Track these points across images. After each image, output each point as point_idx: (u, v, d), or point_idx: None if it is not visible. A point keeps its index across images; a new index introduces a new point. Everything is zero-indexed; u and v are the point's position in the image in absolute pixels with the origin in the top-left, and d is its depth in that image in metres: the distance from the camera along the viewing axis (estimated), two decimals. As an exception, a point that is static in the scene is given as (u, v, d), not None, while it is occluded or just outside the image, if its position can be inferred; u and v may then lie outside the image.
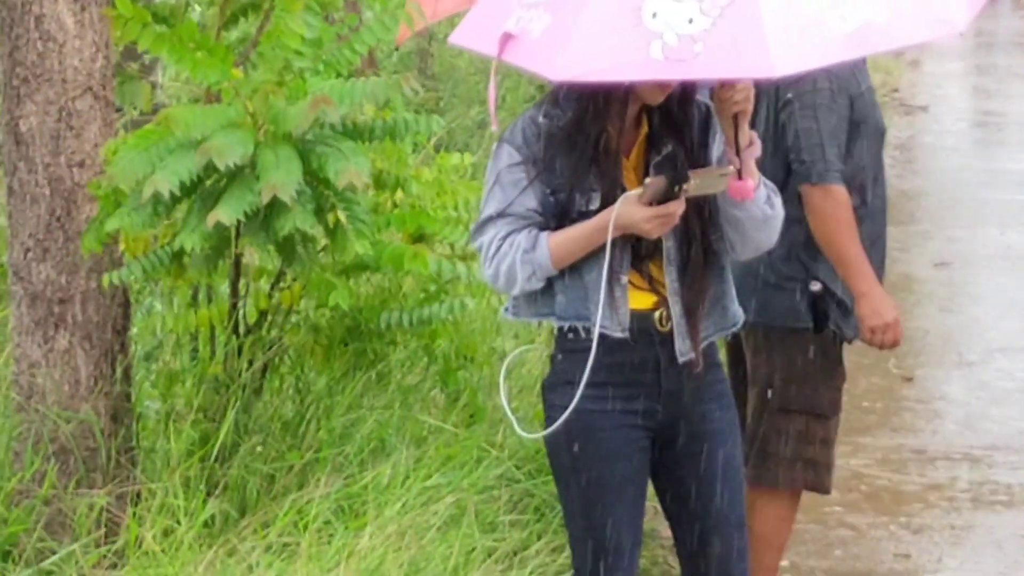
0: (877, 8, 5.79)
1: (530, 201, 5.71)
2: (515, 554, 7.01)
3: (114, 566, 6.63)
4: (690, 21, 5.61)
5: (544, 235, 5.72)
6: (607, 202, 5.68)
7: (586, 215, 5.73)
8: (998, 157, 17.65)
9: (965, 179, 16.17)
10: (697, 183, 5.60)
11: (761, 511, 7.26)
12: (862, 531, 8.87)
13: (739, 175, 5.67)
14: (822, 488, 7.55)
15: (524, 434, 6.39)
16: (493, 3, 6.19)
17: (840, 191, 7.01)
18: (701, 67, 5.61)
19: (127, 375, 7.14)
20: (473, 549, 6.82)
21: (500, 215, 5.78)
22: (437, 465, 7.35)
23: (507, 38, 5.71)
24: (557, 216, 5.71)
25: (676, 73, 5.68)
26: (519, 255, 5.72)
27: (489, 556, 6.88)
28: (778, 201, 5.83)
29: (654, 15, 5.65)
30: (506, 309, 6.07)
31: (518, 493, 7.42)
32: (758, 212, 5.75)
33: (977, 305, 12.90)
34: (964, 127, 18.91)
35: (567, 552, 6.57)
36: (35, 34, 6.95)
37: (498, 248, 5.74)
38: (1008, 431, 10.03)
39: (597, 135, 5.80)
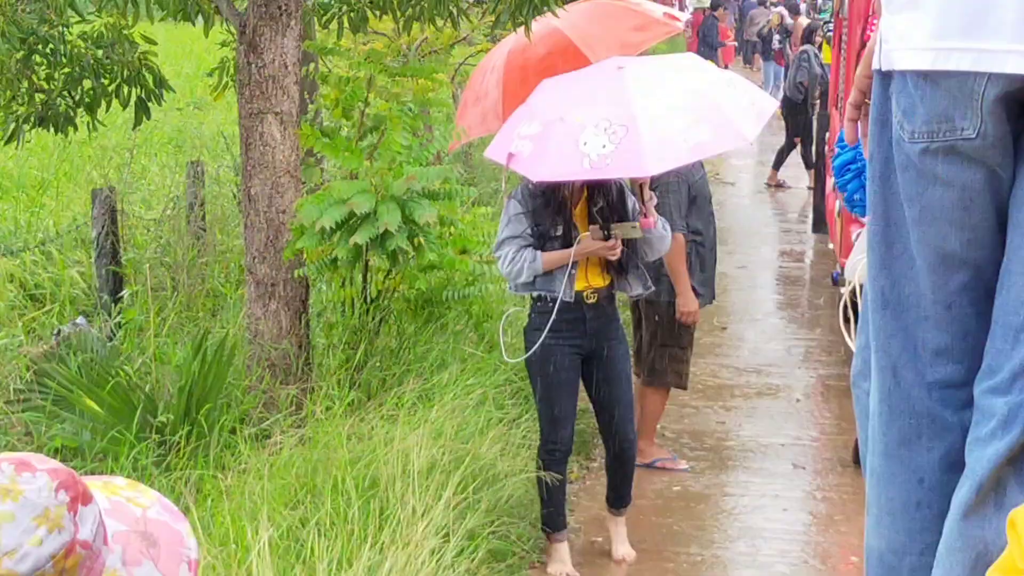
0: (704, 132, 6.69)
1: (526, 230, 6.68)
2: (513, 421, 7.66)
3: (299, 426, 7.08)
4: (603, 147, 6.47)
5: (539, 253, 6.60)
6: (564, 230, 6.65)
7: (554, 238, 6.66)
8: (769, 208, 17.84)
9: (752, 221, 16.34)
10: (620, 231, 6.59)
11: (650, 399, 8.31)
12: (699, 409, 9.64)
13: (644, 216, 6.73)
14: (682, 386, 8.57)
15: (508, 359, 7.23)
16: (505, 133, 7.05)
17: (680, 236, 7.77)
18: (610, 171, 6.57)
19: (307, 325, 7.80)
20: (491, 418, 7.47)
21: (512, 238, 6.71)
22: (472, 373, 7.96)
23: (510, 156, 6.75)
24: (538, 238, 6.68)
25: (596, 175, 6.53)
26: (526, 263, 6.61)
27: (500, 421, 7.51)
28: (668, 228, 6.89)
29: (585, 143, 6.51)
30: (510, 288, 6.99)
31: (514, 388, 8.13)
32: (657, 234, 6.80)
33: (760, 288, 13.88)
34: (751, 191, 18.96)
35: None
36: (259, 141, 7.40)
37: (512, 258, 6.66)
38: (776, 355, 11.10)
39: (558, 197, 6.74)
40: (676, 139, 6.65)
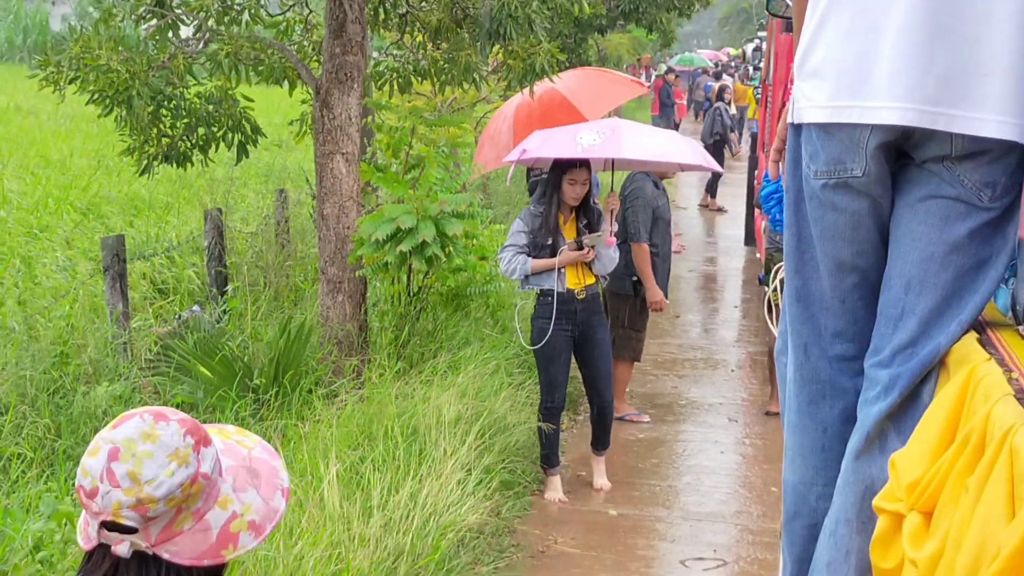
0: (669, 148, 7.35)
1: (524, 242, 6.72)
2: (520, 385, 7.67)
3: (359, 388, 7.19)
4: (593, 140, 6.84)
5: (530, 260, 6.67)
6: (553, 242, 6.70)
7: (545, 247, 6.70)
8: (712, 226, 17.95)
9: (700, 236, 16.41)
10: (592, 240, 6.67)
11: (619, 369, 8.16)
12: (658, 377, 9.67)
13: (609, 235, 6.77)
14: (637, 359, 8.56)
15: (526, 344, 7.14)
16: (516, 149, 7.34)
17: (644, 245, 7.94)
18: (595, 153, 6.79)
19: (366, 312, 7.83)
20: (503, 382, 7.51)
21: (512, 246, 6.78)
22: (488, 349, 8.03)
23: (523, 152, 7.02)
24: (534, 247, 6.73)
25: (586, 155, 6.73)
26: (519, 265, 6.70)
27: (509, 385, 7.54)
28: (616, 254, 6.84)
29: (580, 138, 6.88)
30: (520, 286, 6.96)
31: (520, 361, 8.11)
32: (610, 253, 6.81)
33: (705, 287, 13.98)
34: (698, 214, 19.04)
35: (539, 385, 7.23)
36: (330, 175, 7.47)
37: (509, 259, 6.76)
38: (717, 337, 11.22)
39: (553, 217, 6.76)
40: (647, 146, 7.20)
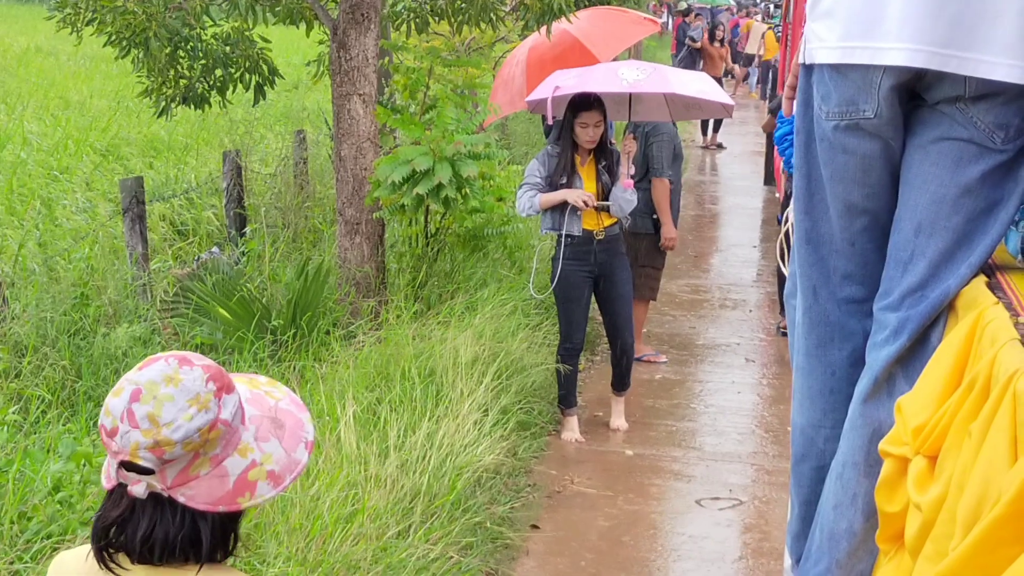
0: (705, 87, 7.25)
1: (538, 180, 6.68)
2: (536, 326, 7.74)
3: (377, 329, 7.19)
4: (636, 76, 6.84)
5: (539, 194, 6.63)
6: (568, 181, 6.64)
7: (561, 186, 6.62)
8: (733, 166, 17.76)
9: (720, 176, 16.35)
10: (602, 206, 6.67)
11: (636, 308, 8.02)
12: (676, 317, 9.66)
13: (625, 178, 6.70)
14: (654, 298, 8.58)
15: (535, 295, 7.22)
16: (545, 86, 7.18)
17: (667, 181, 7.93)
18: (643, 87, 6.83)
19: (383, 254, 7.82)
20: (520, 324, 7.54)
21: (526, 184, 6.74)
22: (506, 290, 8.02)
23: (556, 88, 6.92)
24: (550, 186, 6.66)
25: (633, 90, 6.86)
26: (527, 199, 6.66)
27: (526, 327, 7.59)
28: (634, 197, 6.74)
29: (622, 74, 6.88)
30: (541, 228, 6.89)
31: (536, 303, 8.03)
32: (629, 195, 6.70)
33: (724, 226, 13.78)
34: (724, 154, 18.90)
35: (556, 325, 7.22)
36: (347, 116, 7.43)
37: (521, 195, 6.73)
38: (735, 277, 11.09)
39: (568, 160, 6.72)
40: (688, 82, 7.17)
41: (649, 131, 7.95)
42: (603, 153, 6.78)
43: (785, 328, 8.54)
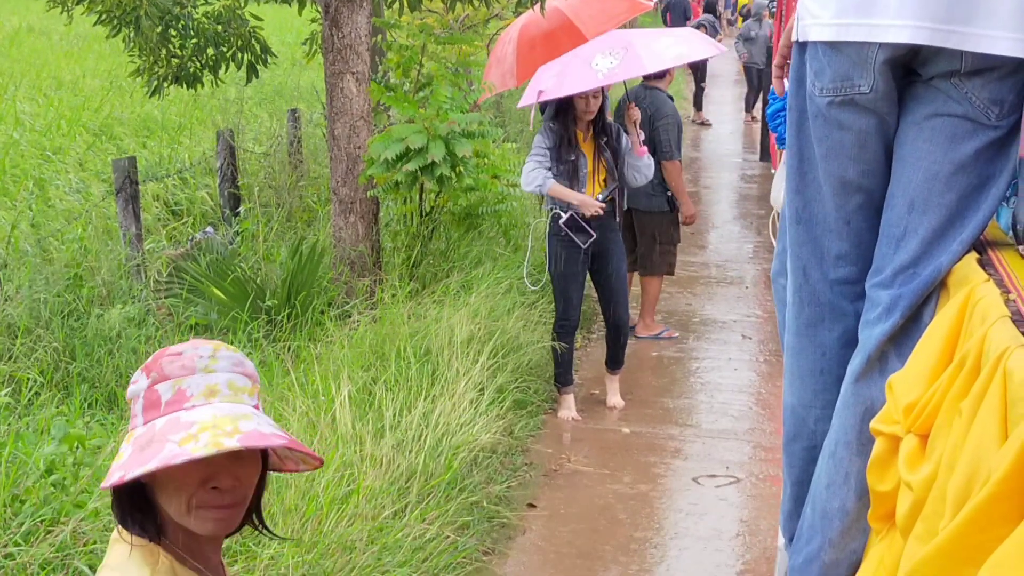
0: (682, 47, 7.20)
1: (545, 156, 6.68)
2: (532, 304, 7.73)
3: (372, 309, 7.20)
4: (610, 64, 6.68)
5: (551, 181, 6.63)
6: (575, 158, 6.66)
7: (567, 162, 6.66)
8: (729, 142, 17.60)
9: (715, 153, 16.26)
10: (608, 194, 6.73)
11: (652, 286, 8.41)
12: (673, 294, 9.64)
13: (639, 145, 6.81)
14: (671, 273, 8.61)
15: (530, 286, 7.32)
16: (531, 88, 7.11)
17: (678, 163, 8.06)
18: (618, 77, 6.72)
19: (378, 232, 7.80)
20: (515, 302, 7.54)
21: (535, 157, 6.72)
22: (501, 268, 8.04)
23: (540, 94, 6.83)
24: (554, 160, 6.68)
25: (608, 81, 6.70)
26: (537, 180, 6.66)
27: (522, 305, 7.59)
28: (651, 161, 6.87)
29: (596, 64, 6.72)
30: (546, 206, 6.99)
31: (533, 280, 7.86)
32: (645, 161, 6.83)
33: (720, 202, 13.79)
34: (717, 131, 18.73)
35: (552, 303, 7.22)
36: (340, 94, 7.42)
37: (531, 170, 6.71)
38: (731, 253, 11.11)
39: (571, 134, 6.74)
40: (663, 52, 7.01)
41: (653, 114, 7.96)
42: (603, 129, 6.80)
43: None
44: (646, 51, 7.03)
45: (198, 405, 1.94)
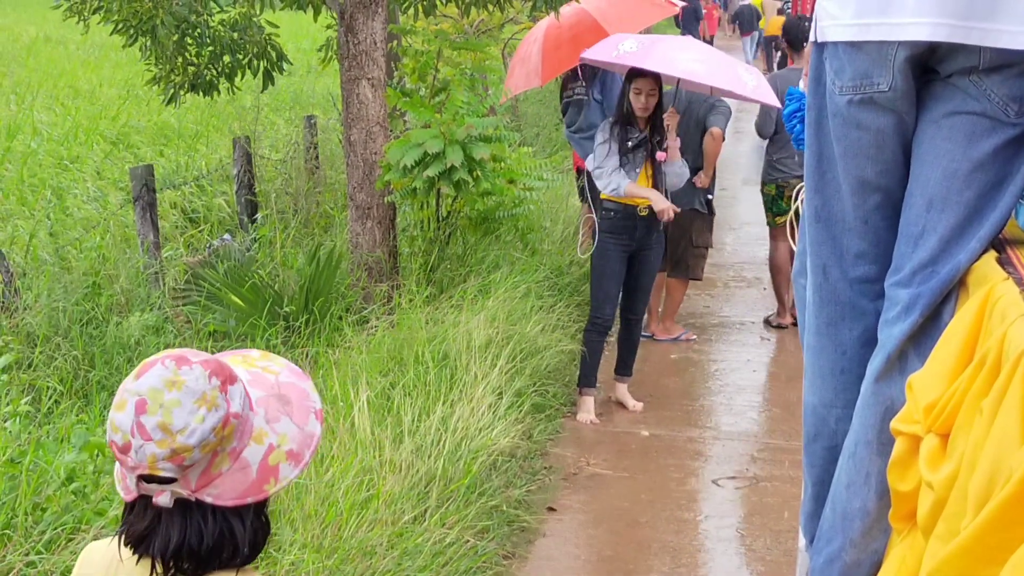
0: (700, 67, 6.96)
1: (616, 154, 6.65)
2: (551, 308, 7.71)
3: (390, 314, 7.16)
4: (631, 48, 6.72)
5: (626, 180, 6.61)
6: (640, 143, 6.66)
7: (633, 151, 6.65)
8: (743, 142, 17.31)
9: (729, 153, 16.05)
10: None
11: (676, 288, 8.47)
12: (691, 296, 9.45)
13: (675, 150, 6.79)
14: (700, 277, 8.65)
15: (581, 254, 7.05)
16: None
17: (720, 132, 8.06)
18: (627, 60, 6.67)
19: (395, 238, 7.79)
20: (533, 306, 7.49)
21: (611, 159, 6.64)
22: (519, 273, 7.95)
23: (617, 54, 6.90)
24: (621, 156, 6.67)
25: (620, 61, 6.76)
26: (618, 182, 6.61)
27: (540, 309, 7.55)
28: (685, 169, 6.86)
29: (620, 48, 6.76)
30: (605, 190, 6.74)
31: (551, 283, 8.10)
32: (679, 168, 6.77)
33: (737, 204, 13.49)
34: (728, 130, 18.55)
35: (573, 307, 7.37)
36: (356, 100, 7.42)
37: (611, 173, 6.63)
38: (749, 255, 10.97)
39: (624, 129, 6.70)
40: (676, 61, 6.81)
41: (714, 102, 7.93)
42: (656, 130, 6.76)
43: (773, 320, 8.63)
44: (662, 52, 6.83)
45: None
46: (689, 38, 8.12)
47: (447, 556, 4.77)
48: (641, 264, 6.92)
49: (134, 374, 1.87)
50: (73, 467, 4.36)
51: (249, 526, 1.93)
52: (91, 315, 6.90)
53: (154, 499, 1.85)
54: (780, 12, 24.32)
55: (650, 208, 6.68)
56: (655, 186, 6.72)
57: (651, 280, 7.07)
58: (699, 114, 7.95)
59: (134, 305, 7.19)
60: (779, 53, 19.60)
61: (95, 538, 3.94)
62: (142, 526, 1.88)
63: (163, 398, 1.81)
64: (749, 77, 6.95)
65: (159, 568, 1.91)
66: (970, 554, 1.70)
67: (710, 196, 8.12)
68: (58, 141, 12.15)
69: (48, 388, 5.85)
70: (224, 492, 1.87)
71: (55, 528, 4.04)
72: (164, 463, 1.81)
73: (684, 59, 6.92)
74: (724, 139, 8.08)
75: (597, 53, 6.98)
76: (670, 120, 6.84)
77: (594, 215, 6.89)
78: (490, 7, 8.51)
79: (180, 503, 1.86)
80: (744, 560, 5.30)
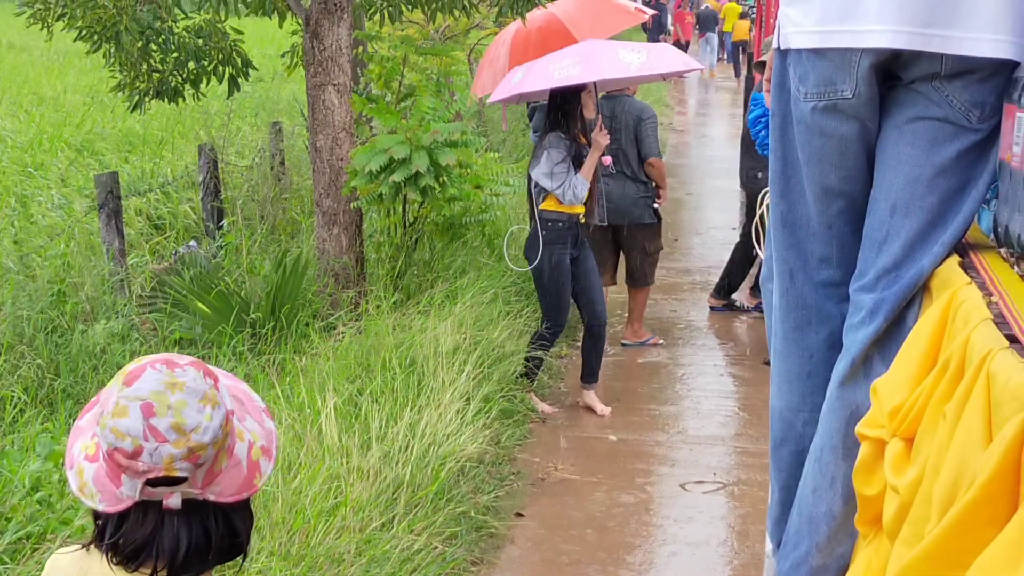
0: (646, 59, 6.94)
1: (569, 166, 6.63)
2: (518, 313, 7.72)
3: (357, 320, 7.19)
4: (637, 58, 6.74)
5: (578, 175, 6.62)
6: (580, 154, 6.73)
7: (575, 156, 6.68)
8: (709, 148, 17.51)
9: (697, 159, 16.05)
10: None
11: (640, 297, 8.43)
12: (657, 301, 9.58)
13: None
14: (652, 282, 8.49)
15: (514, 267, 7.15)
16: (502, 85, 7.18)
17: (662, 160, 8.03)
18: (572, 80, 6.58)
19: (362, 244, 7.79)
20: (500, 311, 7.53)
21: (565, 175, 6.60)
22: (486, 278, 8.00)
23: (509, 89, 7.11)
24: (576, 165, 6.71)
25: (561, 83, 6.61)
26: (578, 184, 6.61)
27: (507, 314, 7.56)
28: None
29: (621, 55, 6.76)
30: (566, 201, 6.71)
31: (516, 290, 8.10)
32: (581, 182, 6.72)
33: (702, 208, 13.68)
34: (694, 137, 18.66)
35: (541, 313, 7.20)
36: (322, 106, 7.41)
37: (571, 187, 6.58)
38: (715, 260, 10.76)
39: (574, 135, 6.73)
40: (628, 62, 6.85)
41: (638, 114, 7.90)
42: (584, 121, 6.86)
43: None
44: (608, 59, 6.85)
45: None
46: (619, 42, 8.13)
47: (415, 563, 4.76)
48: (584, 268, 6.95)
49: (122, 382, 1.87)
50: (38, 476, 4.34)
51: (246, 522, 1.99)
52: (56, 323, 6.87)
53: (165, 501, 1.86)
54: (743, 16, 24.52)
55: (586, 214, 6.83)
56: (593, 183, 6.82)
57: (598, 279, 7.09)
58: (628, 123, 7.90)
59: (99, 313, 7.15)
60: (747, 56, 19.81)
61: (61, 547, 3.93)
62: (144, 532, 1.89)
63: (169, 400, 1.83)
64: (634, 56, 6.96)
65: (161, 573, 1.92)
66: (935, 558, 1.71)
67: (656, 206, 8.10)
68: (22, 148, 12.13)
69: (12, 397, 5.81)
70: (225, 489, 1.91)
71: (20, 538, 4.01)
72: (181, 463, 1.83)
73: (559, 67, 6.85)
74: (662, 158, 8.15)
75: (612, 70, 6.78)
76: (603, 139, 6.76)
77: (538, 228, 6.78)
78: (456, 13, 8.54)
79: (185, 503, 1.88)
80: (712, 564, 5.29)
